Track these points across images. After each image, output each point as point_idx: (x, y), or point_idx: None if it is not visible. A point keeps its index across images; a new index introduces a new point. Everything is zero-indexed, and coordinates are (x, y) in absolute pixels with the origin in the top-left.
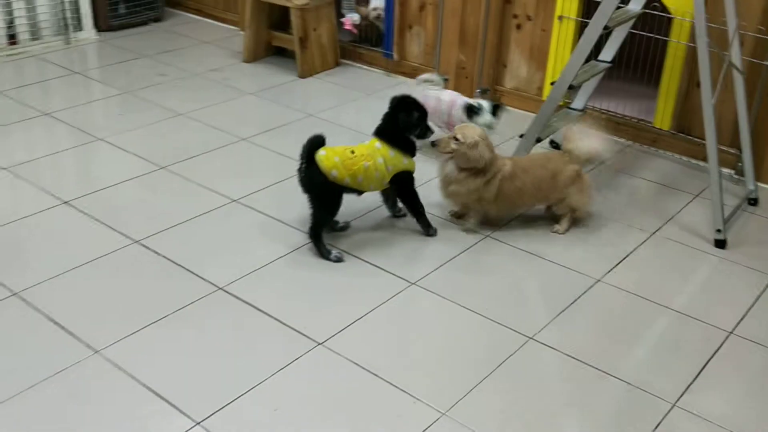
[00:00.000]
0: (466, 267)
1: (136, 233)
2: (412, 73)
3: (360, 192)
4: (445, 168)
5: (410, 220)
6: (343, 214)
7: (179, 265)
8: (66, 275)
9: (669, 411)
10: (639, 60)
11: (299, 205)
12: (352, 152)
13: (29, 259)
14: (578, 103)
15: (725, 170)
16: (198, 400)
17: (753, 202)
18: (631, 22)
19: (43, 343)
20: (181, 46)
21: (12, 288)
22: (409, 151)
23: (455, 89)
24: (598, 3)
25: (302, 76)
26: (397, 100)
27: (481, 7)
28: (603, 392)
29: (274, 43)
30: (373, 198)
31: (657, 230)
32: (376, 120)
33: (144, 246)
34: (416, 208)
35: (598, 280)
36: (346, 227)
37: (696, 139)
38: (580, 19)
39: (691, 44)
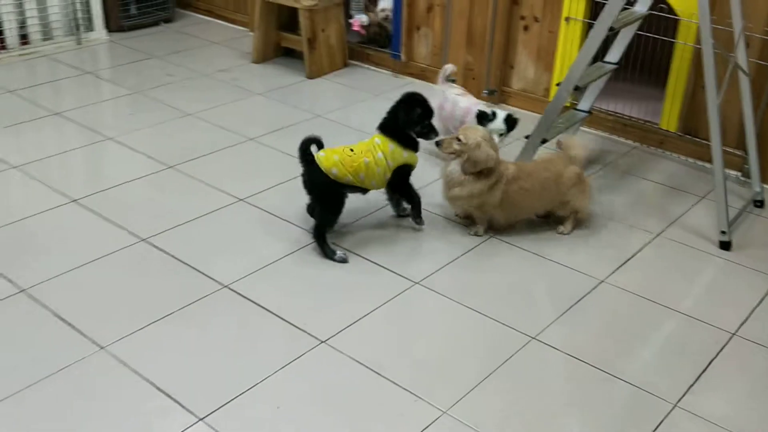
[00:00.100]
0: (470, 267)
1: (144, 231)
2: (419, 74)
3: (364, 191)
4: (447, 169)
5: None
6: (343, 213)
7: (185, 263)
8: (73, 272)
9: (670, 411)
10: (646, 62)
11: (304, 205)
12: (351, 150)
13: (37, 256)
14: (584, 104)
15: (732, 172)
16: (201, 396)
17: (759, 204)
18: (637, 24)
19: (49, 339)
20: (190, 47)
21: (19, 284)
22: (410, 145)
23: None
24: (605, 4)
25: (310, 76)
26: (403, 96)
27: (489, 9)
28: (604, 392)
29: (283, 43)
30: (377, 197)
31: (662, 232)
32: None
33: (151, 244)
34: (410, 197)
35: (602, 281)
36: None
37: (702, 141)
38: (587, 20)
39: (698, 46)
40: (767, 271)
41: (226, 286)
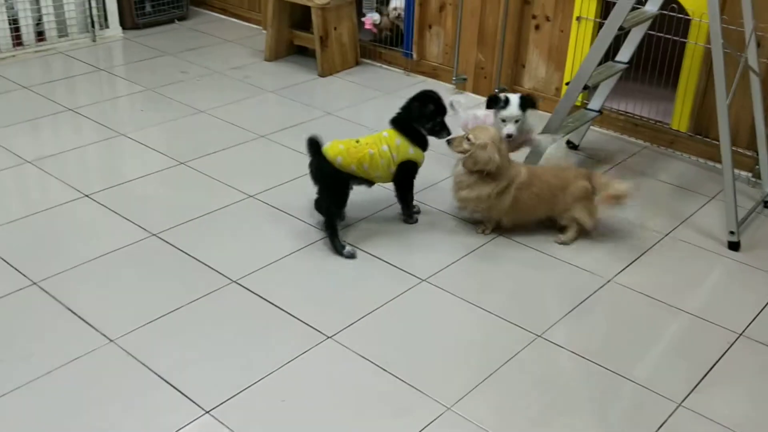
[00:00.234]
0: (477, 265)
1: (154, 226)
2: (431, 73)
3: (370, 183)
4: (456, 170)
5: (422, 217)
6: (351, 208)
7: (195, 258)
8: (84, 266)
9: (674, 411)
10: (657, 61)
11: (313, 201)
12: (357, 141)
13: (49, 250)
14: (595, 103)
15: (743, 173)
16: (208, 389)
17: None
18: (648, 23)
19: (60, 331)
20: (204, 45)
21: (32, 277)
22: (418, 142)
23: (473, 89)
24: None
25: (322, 74)
26: (419, 92)
27: (500, 8)
28: (609, 391)
29: (296, 42)
30: (385, 194)
31: (671, 231)
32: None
33: (161, 239)
34: (404, 197)
35: (609, 280)
36: (342, 218)
37: (713, 141)
38: (598, 20)
39: (709, 46)
40: None
41: (234, 281)
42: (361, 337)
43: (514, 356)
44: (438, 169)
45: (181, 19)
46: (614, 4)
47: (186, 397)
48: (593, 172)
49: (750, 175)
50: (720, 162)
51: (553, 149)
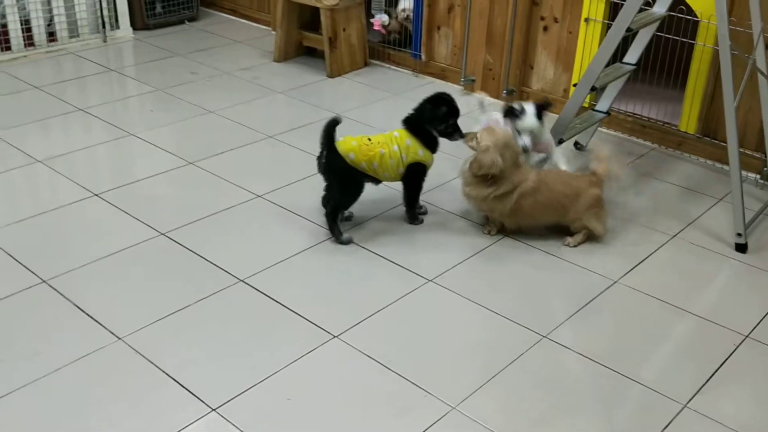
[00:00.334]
0: (484, 265)
1: (163, 226)
2: (439, 74)
3: (377, 181)
4: (464, 166)
5: (429, 218)
6: (358, 208)
7: (202, 257)
8: (93, 264)
9: (680, 412)
10: (665, 63)
11: (320, 198)
12: (369, 140)
13: (59, 249)
14: (603, 105)
15: (751, 175)
16: (215, 387)
17: None
18: (656, 25)
19: (69, 329)
20: (214, 45)
21: (41, 276)
22: (429, 144)
23: (482, 90)
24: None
25: (331, 75)
26: (432, 94)
27: (509, 9)
28: (614, 392)
29: (305, 43)
30: (393, 194)
31: (678, 233)
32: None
33: (170, 238)
34: (410, 199)
35: (616, 282)
36: (350, 218)
37: (722, 143)
38: (606, 21)
39: (718, 48)
40: None
41: (241, 281)
42: (368, 336)
43: (519, 356)
44: (447, 169)
45: (191, 20)
46: (623, 5)
47: (193, 395)
48: (599, 174)
49: (758, 177)
50: (728, 164)
51: (565, 166)
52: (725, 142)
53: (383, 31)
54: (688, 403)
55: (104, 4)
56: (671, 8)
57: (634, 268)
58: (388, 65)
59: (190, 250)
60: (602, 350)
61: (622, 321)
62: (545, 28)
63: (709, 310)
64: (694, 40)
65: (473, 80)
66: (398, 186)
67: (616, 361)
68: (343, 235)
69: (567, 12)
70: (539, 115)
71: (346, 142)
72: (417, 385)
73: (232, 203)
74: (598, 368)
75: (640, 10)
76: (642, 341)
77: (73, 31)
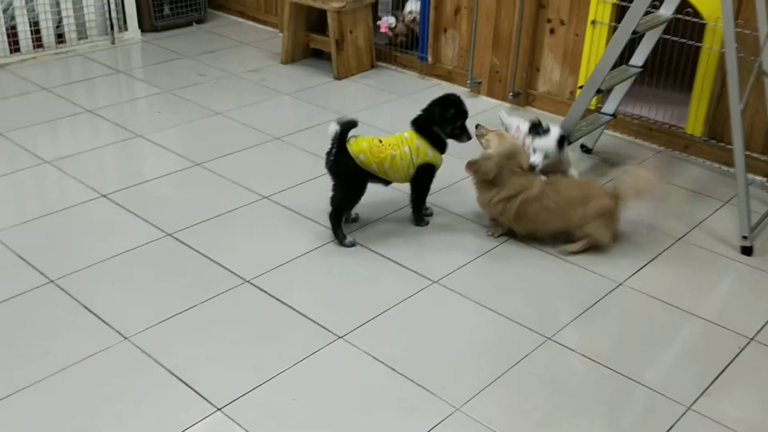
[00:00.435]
0: (489, 267)
1: (170, 226)
2: (446, 76)
3: (386, 182)
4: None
5: (435, 219)
6: (364, 209)
7: (209, 258)
8: (100, 265)
9: (684, 414)
10: (672, 66)
11: (327, 203)
12: (380, 141)
13: (66, 249)
14: (609, 107)
15: (757, 178)
16: (220, 387)
17: None
18: (662, 27)
19: (76, 328)
20: (221, 47)
21: (49, 276)
22: (437, 145)
23: (488, 93)
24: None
25: (338, 77)
26: (441, 96)
27: (515, 12)
28: (618, 393)
29: (312, 45)
30: (399, 196)
31: (683, 236)
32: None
33: (176, 239)
34: (417, 200)
35: (621, 284)
36: (356, 219)
37: (728, 146)
38: (613, 24)
39: (724, 50)
40: None
41: (247, 281)
42: (372, 337)
43: (524, 358)
44: (453, 171)
45: (199, 22)
46: (629, 8)
47: (198, 394)
48: (620, 189)
49: (765, 179)
50: (734, 167)
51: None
52: (732, 145)
53: (390, 34)
54: (692, 405)
55: (112, 6)
56: (678, 11)
57: (639, 270)
58: (394, 67)
59: (197, 251)
60: (607, 352)
61: (626, 323)
62: (552, 31)
63: (714, 312)
64: (700, 42)
65: (480, 82)
66: (404, 188)
67: (620, 363)
68: (346, 238)
69: (573, 14)
70: (560, 143)
71: (357, 143)
72: (421, 386)
73: (238, 204)
74: (602, 370)
75: (647, 13)
76: (646, 343)
77: (82, 33)
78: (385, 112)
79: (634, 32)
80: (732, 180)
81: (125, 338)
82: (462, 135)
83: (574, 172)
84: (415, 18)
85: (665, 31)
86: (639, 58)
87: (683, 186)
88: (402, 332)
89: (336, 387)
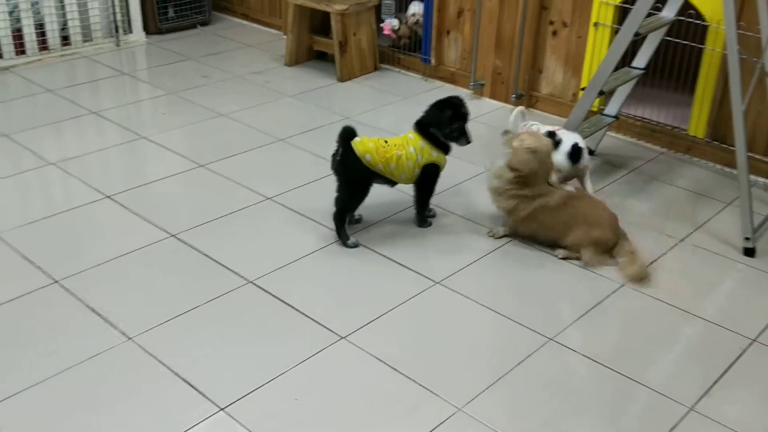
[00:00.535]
0: (491, 268)
1: (173, 227)
2: (449, 78)
3: (392, 183)
4: (494, 164)
5: (438, 221)
6: (368, 210)
7: (212, 259)
8: (104, 265)
9: (685, 415)
10: (674, 67)
11: (330, 204)
12: (386, 142)
13: (71, 249)
14: (611, 109)
15: (760, 179)
16: (223, 387)
17: None
18: (664, 29)
19: (80, 328)
20: (225, 49)
21: (54, 276)
22: (440, 146)
23: (491, 95)
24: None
25: (341, 79)
26: (441, 98)
27: (518, 14)
28: (620, 394)
29: (315, 47)
30: (402, 197)
31: (686, 237)
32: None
33: (180, 240)
34: (421, 201)
35: (623, 285)
36: (359, 220)
37: (731, 148)
38: (615, 26)
39: (726, 52)
40: None
41: (250, 282)
42: (375, 338)
43: (526, 359)
44: (457, 172)
45: (204, 24)
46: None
47: (201, 394)
48: (626, 239)
49: (767, 181)
50: (737, 168)
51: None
52: (734, 147)
53: (393, 36)
54: (694, 406)
55: (117, 9)
56: (680, 12)
57: None
58: (398, 69)
59: (201, 252)
60: (608, 353)
61: (628, 324)
62: (554, 33)
63: (716, 313)
64: (703, 44)
65: (482, 84)
66: (407, 189)
67: (622, 364)
68: (349, 239)
69: (576, 16)
70: (572, 156)
71: (363, 143)
72: (423, 386)
73: (242, 205)
74: (604, 371)
75: (649, 15)
76: (648, 344)
77: (87, 36)
78: (388, 113)
79: (637, 34)
80: (734, 181)
81: (129, 338)
82: (460, 138)
83: (589, 185)
84: (418, 20)
85: (668, 33)
86: (641, 60)
87: (686, 187)
88: (404, 333)
89: (338, 387)
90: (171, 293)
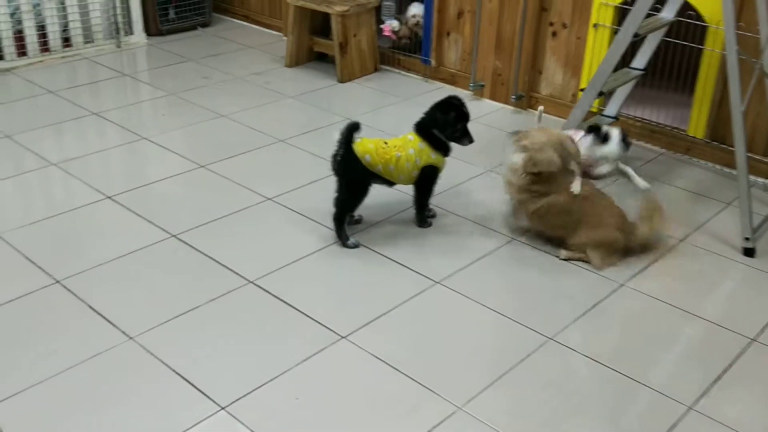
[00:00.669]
0: (491, 268)
1: (174, 228)
2: (449, 79)
3: (391, 183)
4: (511, 159)
5: (438, 221)
6: (369, 211)
7: (212, 259)
8: (105, 265)
9: (685, 414)
10: (674, 68)
11: (330, 204)
12: (386, 143)
13: (72, 250)
14: (611, 109)
15: (759, 179)
16: (224, 386)
17: None
18: (664, 30)
19: (81, 328)
20: (226, 51)
21: (55, 276)
22: (440, 148)
23: (491, 96)
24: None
25: (342, 80)
26: (442, 99)
27: (518, 15)
28: (619, 393)
29: (316, 48)
30: (402, 197)
31: (685, 237)
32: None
33: (181, 240)
34: (420, 201)
35: (622, 285)
36: (360, 220)
37: (730, 148)
38: (615, 27)
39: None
40: None
41: (251, 282)
42: (375, 337)
43: (526, 358)
44: (457, 173)
45: (204, 25)
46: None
47: (202, 393)
48: (635, 225)
49: (766, 181)
50: (736, 168)
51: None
52: (733, 147)
53: (393, 37)
54: (693, 405)
55: (118, 11)
56: (679, 13)
57: (641, 271)
58: (398, 70)
59: (201, 252)
60: (608, 352)
61: (628, 324)
62: (554, 34)
63: (716, 313)
64: (702, 45)
65: (482, 85)
66: (407, 189)
67: (622, 364)
68: (349, 240)
69: (576, 18)
70: (625, 141)
71: (363, 144)
72: (423, 386)
73: (242, 206)
74: (604, 370)
75: (648, 16)
76: (648, 344)
77: (88, 37)
78: (388, 114)
79: (636, 35)
80: (734, 182)
81: (130, 338)
82: (463, 138)
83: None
84: (418, 21)
85: (667, 34)
86: (641, 60)
87: (685, 188)
88: (405, 332)
89: (339, 386)
90: (172, 293)
